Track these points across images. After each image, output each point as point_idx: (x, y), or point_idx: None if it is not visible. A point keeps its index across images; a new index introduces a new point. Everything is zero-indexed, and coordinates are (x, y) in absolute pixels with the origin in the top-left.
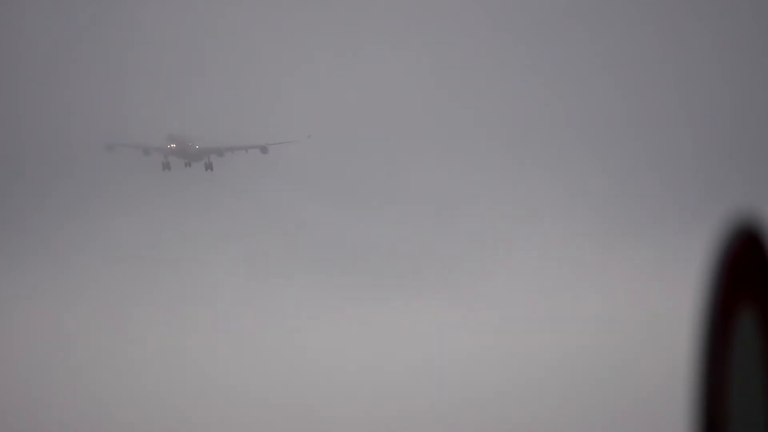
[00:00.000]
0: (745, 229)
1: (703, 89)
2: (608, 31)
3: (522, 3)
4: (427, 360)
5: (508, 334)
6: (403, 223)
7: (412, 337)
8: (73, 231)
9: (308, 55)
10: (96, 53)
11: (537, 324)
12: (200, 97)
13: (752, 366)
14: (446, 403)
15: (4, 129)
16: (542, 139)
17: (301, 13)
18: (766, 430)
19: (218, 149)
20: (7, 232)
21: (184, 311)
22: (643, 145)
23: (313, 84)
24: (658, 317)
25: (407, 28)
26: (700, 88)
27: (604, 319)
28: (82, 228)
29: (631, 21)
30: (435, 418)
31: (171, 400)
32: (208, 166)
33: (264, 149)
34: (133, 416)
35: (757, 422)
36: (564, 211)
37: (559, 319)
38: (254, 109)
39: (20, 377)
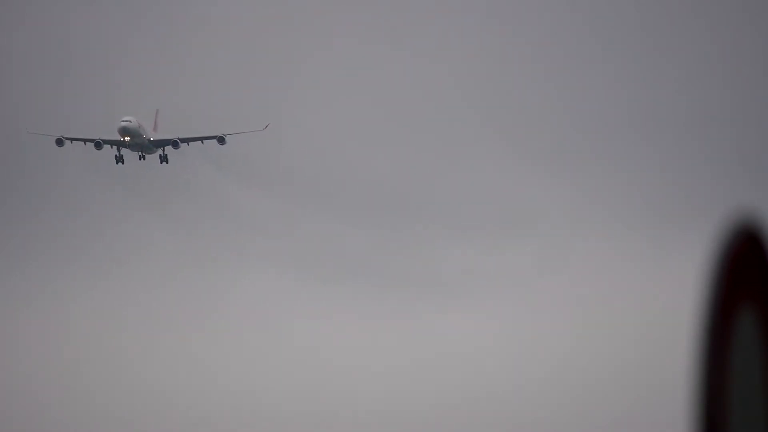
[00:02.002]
0: (745, 229)
1: (706, 92)
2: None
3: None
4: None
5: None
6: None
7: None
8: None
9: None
10: (45, 45)
11: (537, 331)
12: (154, 88)
13: (752, 366)
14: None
15: None
16: (547, 139)
17: (262, 2)
18: (766, 430)
19: (173, 141)
20: None
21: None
22: (646, 146)
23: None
24: (659, 317)
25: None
26: (702, 91)
27: (604, 319)
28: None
29: (634, 24)
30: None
31: (170, 400)
32: (164, 159)
33: (222, 140)
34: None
35: (757, 422)
36: (568, 214)
37: (557, 321)
38: (211, 99)
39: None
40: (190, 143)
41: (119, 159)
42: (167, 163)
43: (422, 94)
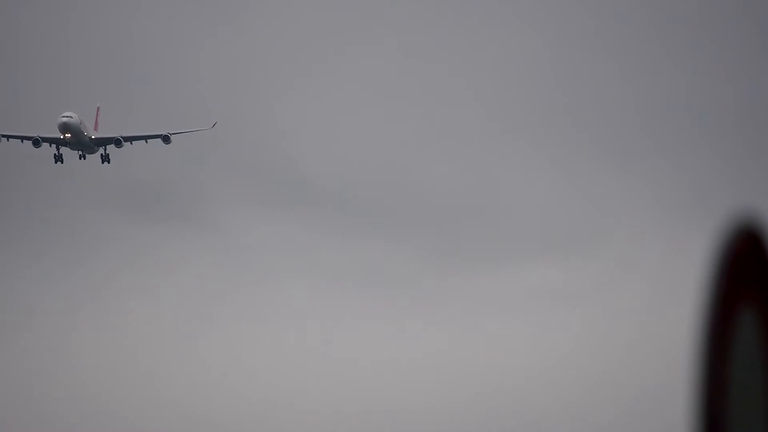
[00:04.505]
0: (745, 229)
1: (708, 90)
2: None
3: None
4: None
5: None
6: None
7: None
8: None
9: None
10: None
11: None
12: (97, 83)
13: (752, 366)
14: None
15: None
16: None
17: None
18: (766, 430)
19: (116, 139)
20: None
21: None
22: (646, 143)
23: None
24: (658, 316)
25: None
26: (704, 89)
27: (603, 318)
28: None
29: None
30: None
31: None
32: (105, 159)
33: (166, 139)
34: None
35: (757, 422)
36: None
37: (557, 321)
38: (155, 96)
39: None
40: (133, 142)
41: (58, 158)
42: (109, 162)
43: (427, 93)
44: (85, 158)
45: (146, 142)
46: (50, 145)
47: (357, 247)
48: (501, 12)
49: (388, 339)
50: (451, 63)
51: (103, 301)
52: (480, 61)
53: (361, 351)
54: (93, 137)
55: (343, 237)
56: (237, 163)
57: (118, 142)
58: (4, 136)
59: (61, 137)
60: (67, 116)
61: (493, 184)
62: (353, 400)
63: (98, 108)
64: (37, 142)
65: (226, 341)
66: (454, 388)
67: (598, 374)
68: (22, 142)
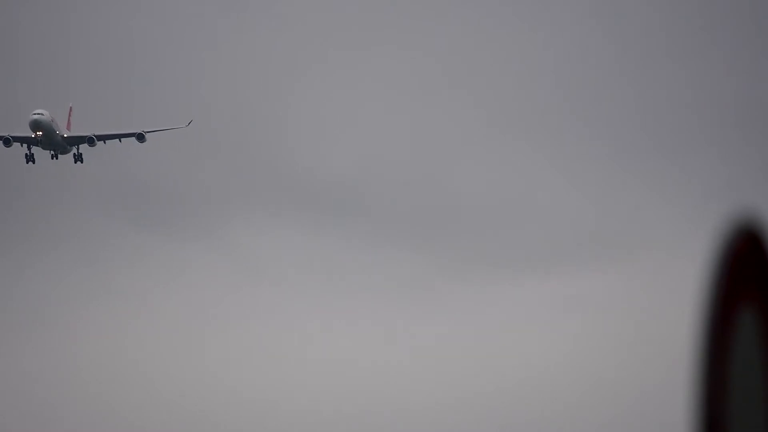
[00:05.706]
0: (745, 229)
1: (710, 89)
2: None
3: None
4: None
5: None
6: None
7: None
8: None
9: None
10: None
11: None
12: (96, 83)
13: (752, 366)
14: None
15: None
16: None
17: None
18: (766, 430)
19: (89, 137)
20: None
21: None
22: (646, 142)
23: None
24: (659, 317)
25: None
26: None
27: (604, 319)
28: None
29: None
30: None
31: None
32: (78, 158)
33: (141, 137)
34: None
35: (757, 422)
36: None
37: (556, 322)
38: (154, 96)
39: None
40: (106, 141)
41: (30, 158)
42: (82, 162)
43: (427, 93)
44: (57, 158)
45: (120, 141)
46: (21, 145)
47: (358, 248)
48: (501, 12)
49: (391, 341)
50: (451, 63)
51: (101, 304)
52: (480, 61)
53: (364, 353)
54: (65, 136)
55: (345, 238)
56: (236, 163)
57: (90, 141)
58: None
59: (33, 136)
60: (38, 113)
61: (492, 184)
62: (356, 403)
63: (71, 107)
64: (7, 141)
65: (227, 343)
66: (455, 391)
67: (597, 374)
68: None
